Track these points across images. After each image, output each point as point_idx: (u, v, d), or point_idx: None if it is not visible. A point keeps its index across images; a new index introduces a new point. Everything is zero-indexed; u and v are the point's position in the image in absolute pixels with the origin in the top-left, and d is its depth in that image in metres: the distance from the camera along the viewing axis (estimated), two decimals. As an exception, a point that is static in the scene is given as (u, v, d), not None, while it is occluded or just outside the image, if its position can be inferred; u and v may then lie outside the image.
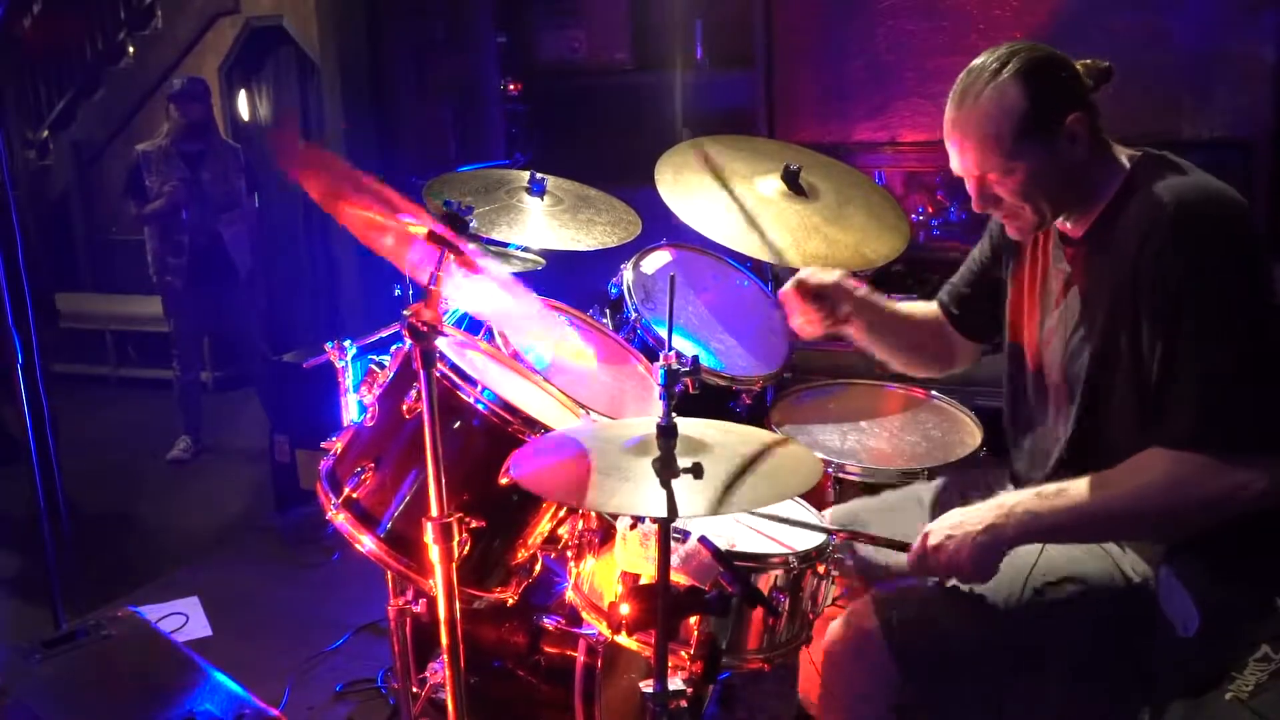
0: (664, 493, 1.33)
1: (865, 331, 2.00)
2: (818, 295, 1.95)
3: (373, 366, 1.96)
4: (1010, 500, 1.56)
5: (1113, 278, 1.54)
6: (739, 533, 1.76)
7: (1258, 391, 1.45)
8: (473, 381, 1.76)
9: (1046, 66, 1.53)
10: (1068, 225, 1.65)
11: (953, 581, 1.60)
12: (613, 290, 2.43)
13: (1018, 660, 1.59)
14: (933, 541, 1.57)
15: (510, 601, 1.88)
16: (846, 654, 1.64)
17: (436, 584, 1.59)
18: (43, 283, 5.89)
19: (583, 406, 2.00)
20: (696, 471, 1.36)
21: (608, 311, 2.44)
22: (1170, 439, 1.47)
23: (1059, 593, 1.59)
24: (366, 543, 1.78)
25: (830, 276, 1.96)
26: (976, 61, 1.58)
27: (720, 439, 1.49)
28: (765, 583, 1.64)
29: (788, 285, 1.98)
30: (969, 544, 1.53)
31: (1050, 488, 1.55)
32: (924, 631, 1.60)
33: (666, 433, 1.38)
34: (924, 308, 2.06)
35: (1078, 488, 1.52)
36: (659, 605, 1.42)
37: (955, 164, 1.62)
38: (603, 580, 1.75)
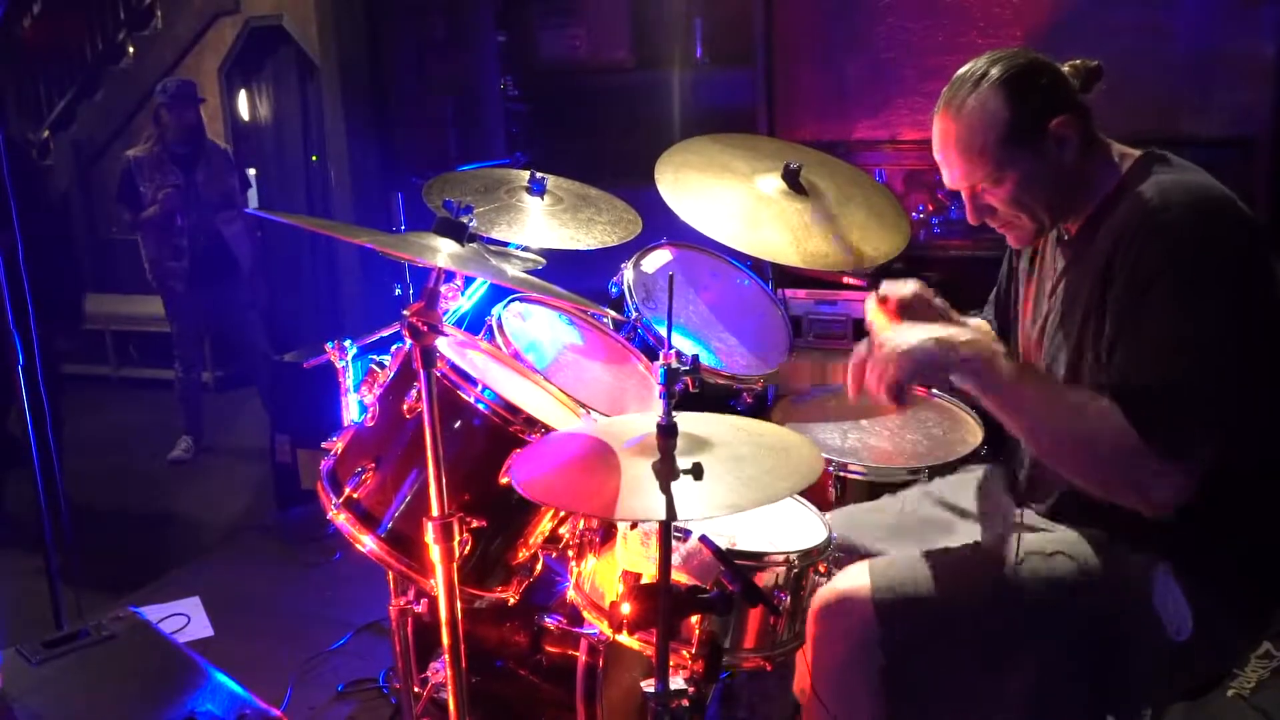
0: (664, 496, 1.33)
1: None
2: (902, 309, 1.77)
3: (373, 366, 1.96)
4: (992, 347, 1.52)
5: (1093, 274, 1.52)
6: (738, 528, 1.76)
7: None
8: (473, 381, 1.76)
9: (1027, 73, 1.53)
10: (1065, 224, 1.64)
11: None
12: (613, 289, 2.43)
13: (1003, 635, 1.57)
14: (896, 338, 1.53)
15: (511, 601, 1.88)
16: (832, 622, 1.64)
17: (437, 584, 1.59)
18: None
19: (583, 406, 2.00)
20: (696, 472, 1.36)
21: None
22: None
23: (1048, 566, 1.57)
24: (367, 543, 1.78)
25: (908, 287, 1.79)
26: (959, 73, 1.58)
27: (721, 435, 1.49)
28: (766, 581, 1.64)
29: (870, 305, 1.78)
30: (918, 342, 1.50)
31: (1029, 368, 1.61)
32: (908, 600, 1.59)
33: (666, 432, 1.38)
34: (985, 326, 1.96)
35: (1049, 385, 1.56)
36: (660, 604, 1.42)
37: (946, 178, 1.63)
38: (604, 579, 1.75)
